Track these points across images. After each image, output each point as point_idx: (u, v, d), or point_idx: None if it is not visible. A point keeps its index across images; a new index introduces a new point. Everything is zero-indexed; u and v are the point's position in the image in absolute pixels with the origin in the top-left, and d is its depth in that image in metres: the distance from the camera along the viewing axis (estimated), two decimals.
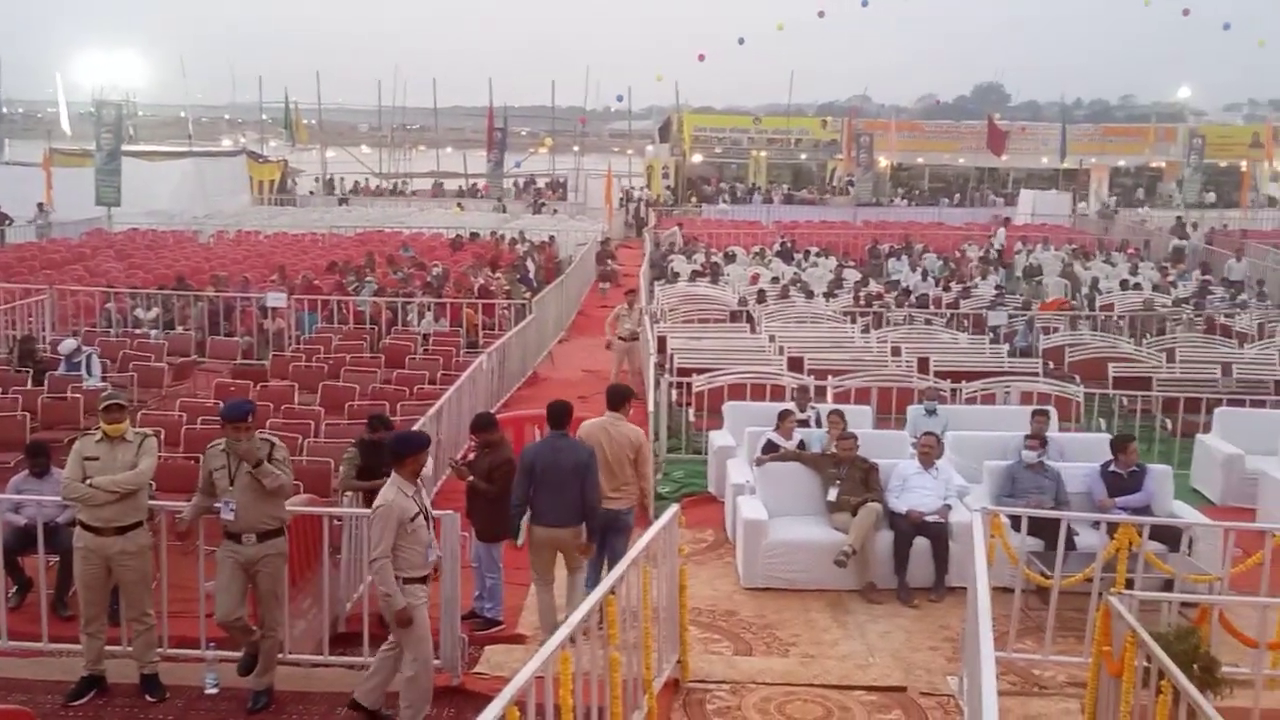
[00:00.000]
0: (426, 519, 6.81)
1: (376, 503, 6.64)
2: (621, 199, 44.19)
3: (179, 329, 17.20)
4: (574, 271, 24.99)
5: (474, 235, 30.52)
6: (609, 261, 29.45)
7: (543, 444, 8.06)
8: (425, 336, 16.76)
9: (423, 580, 6.76)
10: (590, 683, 5.82)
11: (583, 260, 27.28)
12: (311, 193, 48.41)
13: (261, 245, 28.61)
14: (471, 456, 8.58)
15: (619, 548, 7.95)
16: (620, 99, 57.98)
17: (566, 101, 66.06)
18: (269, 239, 30.20)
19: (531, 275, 23.77)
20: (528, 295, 19.95)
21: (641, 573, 6.61)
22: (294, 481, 7.48)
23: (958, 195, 48.13)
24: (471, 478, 8.32)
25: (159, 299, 18.13)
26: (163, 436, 9.87)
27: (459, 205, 42.66)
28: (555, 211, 42.08)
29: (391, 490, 6.64)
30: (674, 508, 7.62)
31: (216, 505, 6.96)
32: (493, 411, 11.37)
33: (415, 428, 10.16)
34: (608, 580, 6.14)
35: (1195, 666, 5.56)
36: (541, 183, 50.82)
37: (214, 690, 7.15)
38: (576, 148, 55.56)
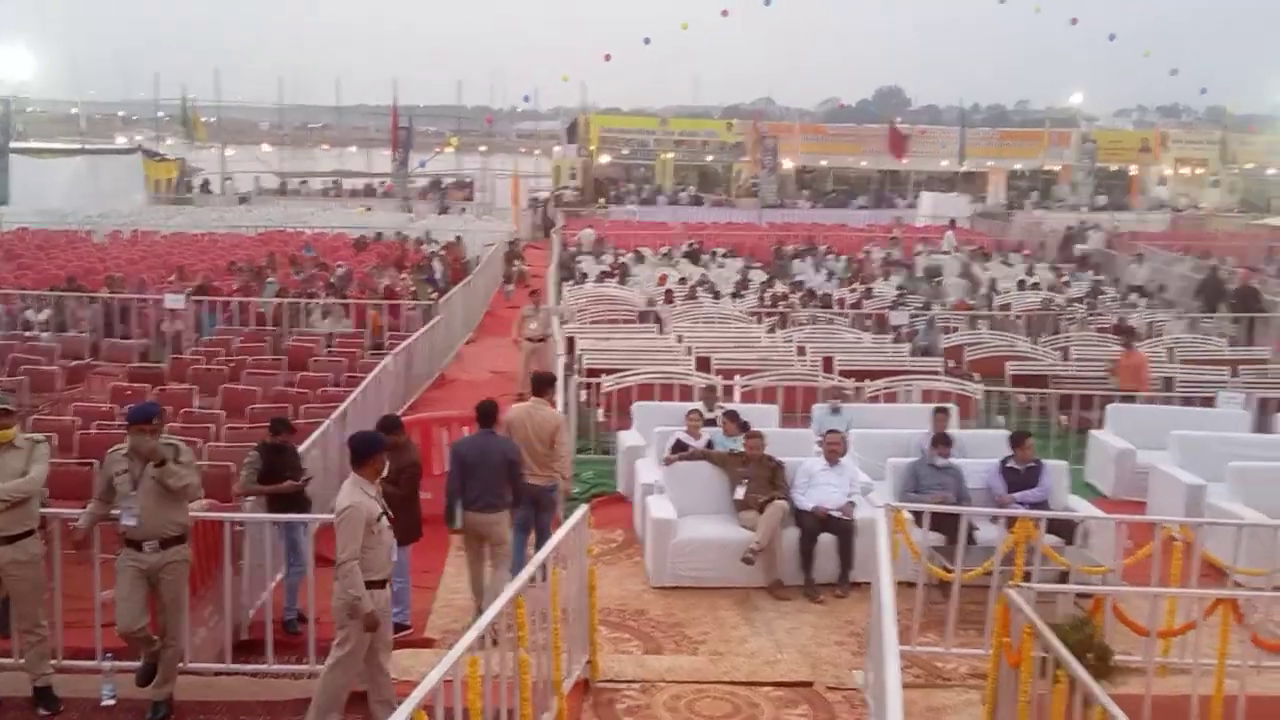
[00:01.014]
0: (390, 520, 6.66)
1: (343, 504, 6.40)
2: (532, 200, 44.13)
3: (72, 331, 16.69)
4: (481, 272, 24.85)
5: (378, 235, 30.14)
6: (517, 262, 29.34)
7: (472, 439, 8.72)
8: (329, 338, 16.50)
9: (382, 584, 6.58)
10: (499, 685, 5.80)
11: (490, 261, 27.13)
12: (206, 189, 47.22)
13: (158, 245, 27.89)
14: None
15: (545, 521, 8.84)
16: (527, 99, 57.99)
17: (473, 101, 65.73)
18: (166, 239, 29.46)
19: (438, 276, 23.55)
20: (434, 296, 19.77)
21: (551, 574, 6.60)
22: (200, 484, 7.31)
23: (864, 197, 48.89)
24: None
25: (51, 300, 17.56)
26: (55, 442, 9.55)
27: (366, 207, 42.06)
28: (462, 211, 41.75)
29: (356, 491, 6.45)
30: (583, 508, 7.64)
31: (115, 512, 6.76)
32: (399, 414, 11.23)
33: (319, 431, 10.08)
34: (515, 582, 6.12)
35: (1090, 655, 5.73)
36: (448, 183, 50.39)
37: (111, 702, 6.94)
38: (483, 148, 55.27)
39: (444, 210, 42.15)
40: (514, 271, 28.46)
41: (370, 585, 6.39)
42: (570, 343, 15.65)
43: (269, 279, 20.26)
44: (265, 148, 57.51)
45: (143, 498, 6.70)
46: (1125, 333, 13.72)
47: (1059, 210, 44.33)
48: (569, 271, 25.86)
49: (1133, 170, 50.32)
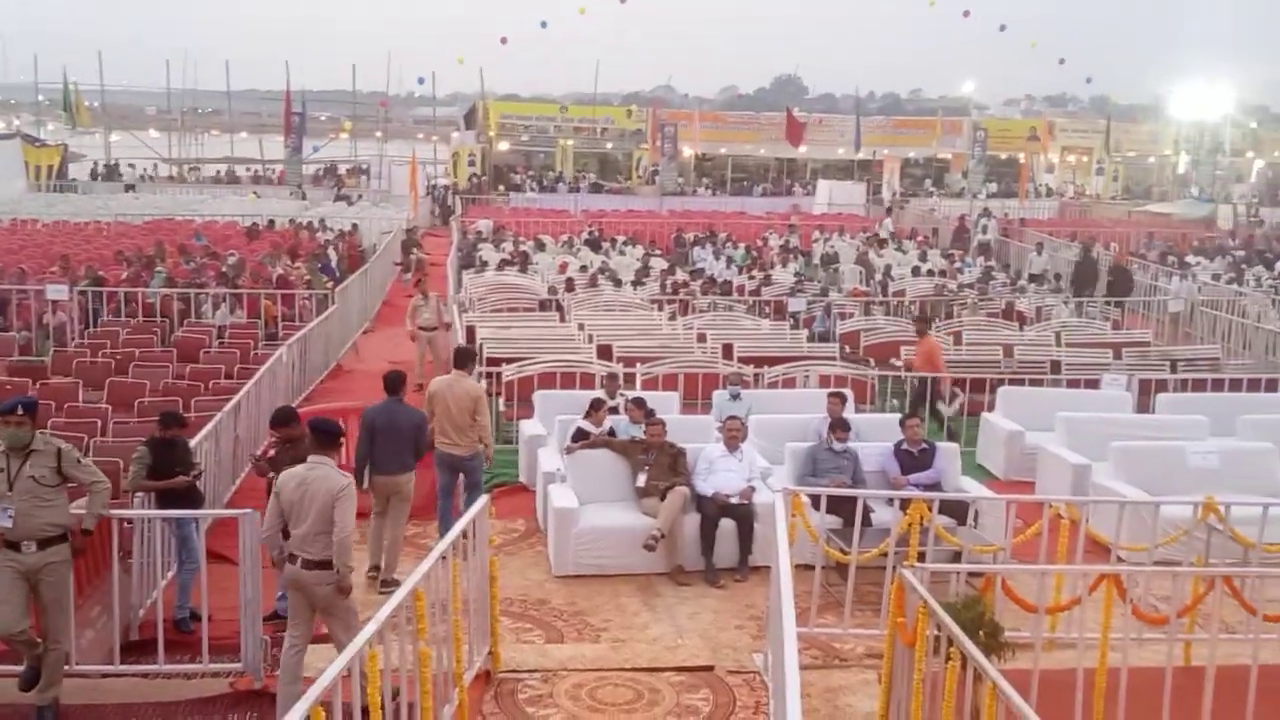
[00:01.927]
0: None
1: (345, 482, 6.67)
2: (430, 187, 43.61)
3: None
4: (378, 260, 24.50)
5: (271, 223, 29.50)
6: (415, 250, 28.97)
7: (380, 407, 9.20)
8: (221, 329, 16.11)
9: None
10: (400, 678, 5.74)
11: (387, 249, 26.77)
12: (115, 176, 45.62)
13: (39, 234, 26.91)
14: (272, 453, 8.31)
15: (471, 486, 9.67)
16: (422, 81, 57.03)
17: (368, 86, 64.57)
18: (48, 228, 28.41)
19: (333, 264, 23.15)
20: (330, 285, 19.43)
21: (451, 565, 6.55)
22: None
23: (765, 186, 49.35)
24: (273, 474, 8.06)
25: None
26: None
27: (255, 194, 41.08)
28: (359, 198, 41.07)
29: (342, 473, 6.77)
30: (484, 498, 7.60)
31: None
32: (294, 405, 11.04)
33: (211, 424, 9.88)
34: (415, 575, 6.06)
35: (981, 633, 5.86)
36: (343, 169, 49.50)
37: None
38: (379, 133, 54.31)
39: (339, 198, 41.40)
40: (412, 260, 28.09)
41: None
42: (470, 332, 15.53)
43: (157, 268, 19.69)
44: (153, 133, 55.76)
45: (17, 499, 6.48)
46: (920, 321, 14.33)
47: (946, 198, 45.33)
48: (469, 259, 25.64)
49: (1022, 158, 51.61)
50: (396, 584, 7.33)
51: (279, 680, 6.71)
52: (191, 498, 8.16)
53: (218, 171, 48.65)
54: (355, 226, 30.11)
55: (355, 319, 19.63)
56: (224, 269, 20.00)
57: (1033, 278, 24.69)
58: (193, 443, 8.78)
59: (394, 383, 9.32)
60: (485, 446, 9.80)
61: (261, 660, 7.20)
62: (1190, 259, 28.67)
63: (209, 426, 9.85)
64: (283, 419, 8.36)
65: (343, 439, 7.18)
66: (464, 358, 10.21)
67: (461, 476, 9.73)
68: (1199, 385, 13.84)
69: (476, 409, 9.62)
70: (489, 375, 13.39)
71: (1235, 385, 13.96)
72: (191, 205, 35.76)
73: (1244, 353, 17.65)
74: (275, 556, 6.95)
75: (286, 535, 6.76)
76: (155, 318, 16.74)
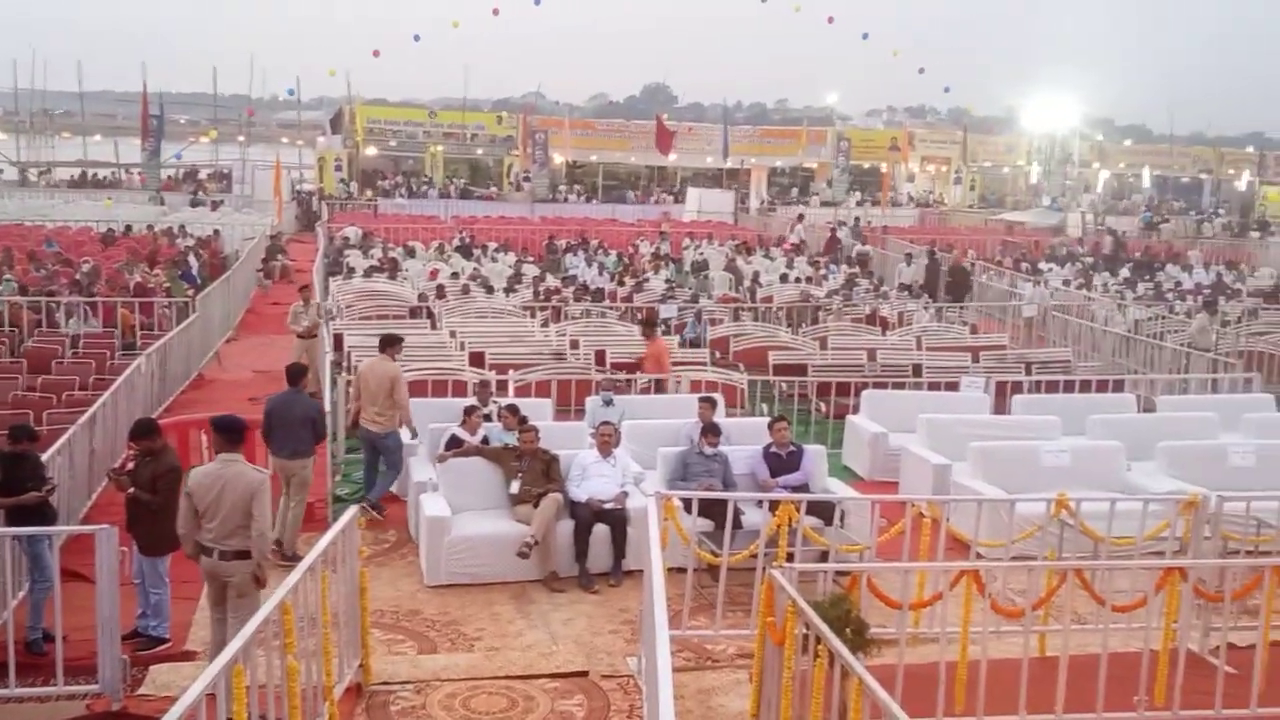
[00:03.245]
0: None
1: (260, 477, 7.03)
2: (296, 192, 42.69)
3: None
4: (241, 267, 23.90)
5: (128, 229, 28.51)
6: (280, 256, 28.34)
7: (279, 396, 9.96)
8: (75, 339, 15.52)
9: None
10: (267, 694, 5.62)
11: (251, 255, 26.12)
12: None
13: None
14: (131, 466, 8.04)
15: (391, 462, 10.80)
16: (291, 92, 55.78)
17: (230, 89, 62.79)
18: None
19: (194, 271, 22.51)
20: (190, 293, 18.89)
21: (320, 578, 6.44)
22: None
23: (636, 192, 49.63)
24: (133, 489, 7.82)
25: None
26: None
27: (109, 199, 39.58)
28: (220, 204, 39.94)
29: (257, 469, 7.15)
30: (353, 509, 7.48)
31: None
32: (154, 417, 10.71)
33: (65, 438, 9.53)
34: (282, 589, 5.93)
35: (847, 630, 6.00)
36: (204, 174, 48.07)
37: None
38: (242, 138, 52.91)
39: (197, 203, 40.15)
40: (275, 266, 27.49)
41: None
42: (338, 339, 15.25)
43: (5, 276, 18.86)
44: (0, 135, 53.31)
45: None
46: (648, 324, 14.65)
47: (813, 206, 46.30)
48: (336, 266, 25.20)
49: (884, 168, 53.00)
50: (298, 558, 7.87)
51: (207, 654, 7.03)
52: (43, 514, 7.84)
53: (71, 175, 46.71)
54: (217, 232, 29.31)
55: (218, 327, 19.11)
56: (78, 276, 19.27)
57: (903, 287, 25.32)
58: (45, 457, 8.44)
59: (294, 374, 10.08)
60: (408, 425, 10.69)
61: (120, 680, 6.96)
62: (1042, 265, 29.87)
63: (62, 440, 9.49)
64: (142, 431, 8.09)
65: (246, 433, 7.48)
66: (386, 342, 11.12)
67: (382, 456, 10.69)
68: (1051, 387, 14.43)
69: (393, 388, 10.50)
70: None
71: (1085, 386, 14.61)
72: (42, 210, 34.34)
73: (1093, 355, 18.45)
74: (191, 552, 7.24)
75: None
76: (4, 327, 16.03)
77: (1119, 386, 14.83)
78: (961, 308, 22.47)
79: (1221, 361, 16.21)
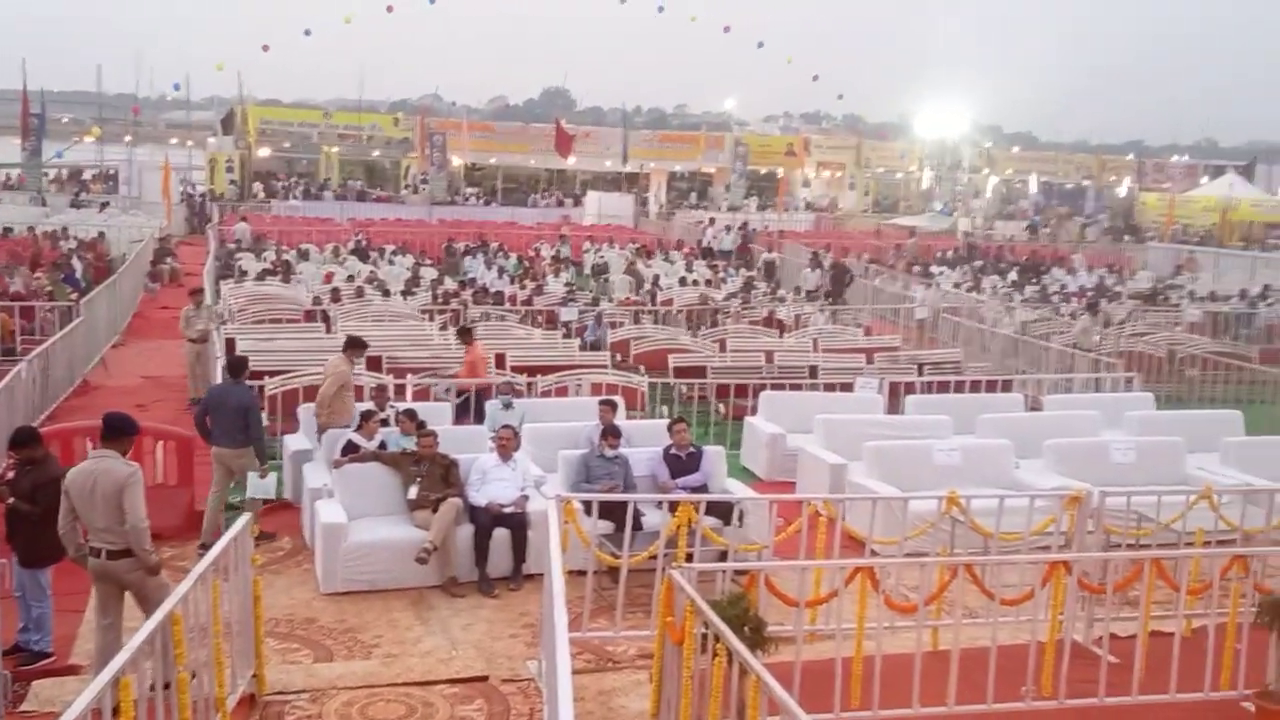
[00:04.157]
0: None
1: (128, 470, 6.84)
2: (185, 194, 41.60)
3: None
4: (128, 270, 23.22)
5: (8, 231, 27.50)
6: (169, 259, 27.62)
7: (219, 387, 10.54)
8: None
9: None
10: (156, 707, 5.47)
11: (138, 258, 25.41)
12: None
13: None
14: (11, 475, 7.76)
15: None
16: (177, 88, 54.35)
17: (116, 87, 61.01)
18: None
19: (78, 275, 21.79)
20: (74, 297, 18.29)
21: (211, 587, 6.29)
22: None
23: (538, 196, 49.46)
24: (12, 499, 7.54)
25: None
26: None
27: None
28: (106, 205, 38.73)
29: (130, 462, 6.95)
30: (246, 516, 7.33)
31: None
32: (35, 425, 10.37)
33: None
34: (172, 598, 5.78)
35: (746, 629, 6.07)
36: (89, 174, 46.57)
37: None
38: (129, 138, 51.38)
39: (79, 204, 38.84)
40: (164, 270, 26.78)
41: None
42: (230, 344, 14.91)
43: None
44: None
45: None
46: (464, 331, 14.55)
47: (712, 211, 46.69)
48: (228, 269, 24.65)
49: (780, 173, 53.69)
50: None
51: (93, 667, 6.73)
52: None
53: None
54: (102, 235, 28.43)
55: (103, 332, 18.55)
56: None
57: (808, 294, 25.58)
58: None
59: (235, 366, 10.49)
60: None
61: (2, 697, 6.71)
62: (934, 269, 30.58)
63: None
64: (22, 440, 7.81)
65: (133, 436, 7.28)
66: (351, 345, 11.43)
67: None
68: (943, 387, 14.79)
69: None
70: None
71: (975, 386, 14.99)
72: None
73: (983, 356, 18.93)
74: (74, 554, 7.09)
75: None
76: None
77: (1007, 386, 15.25)
78: (846, 305, 22.83)
79: (1104, 361, 16.77)
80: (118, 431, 7.08)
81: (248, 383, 10.85)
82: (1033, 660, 7.15)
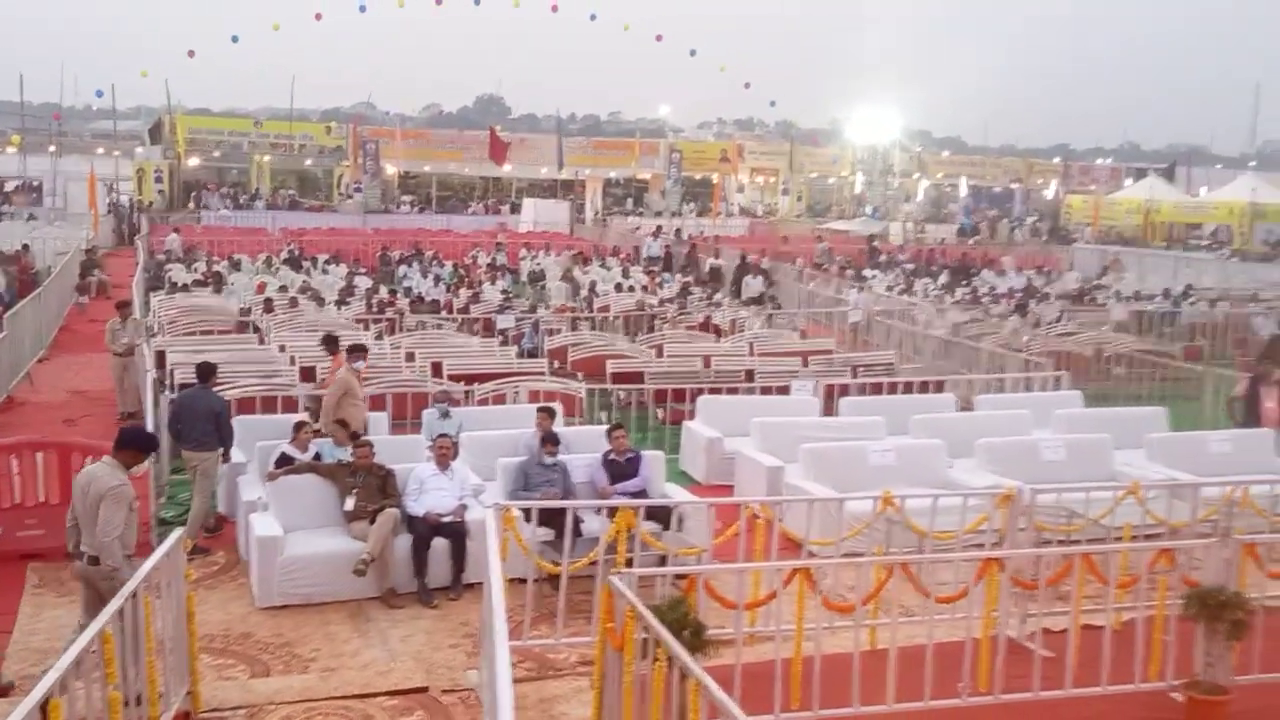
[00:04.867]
0: None
1: (113, 484, 6.89)
2: (112, 205, 40.82)
3: None
4: (53, 283, 22.73)
5: None
6: (96, 271, 27.10)
7: (189, 391, 10.83)
8: None
9: (130, 557, 7.05)
10: None
11: (64, 270, 24.89)
12: None
13: None
14: None
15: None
16: (101, 95, 53.35)
17: (39, 97, 59.71)
18: None
19: (2, 289, 21.32)
20: None
21: (143, 603, 6.18)
22: None
23: (475, 203, 49.25)
24: None
25: None
26: None
27: None
28: (30, 217, 37.88)
29: (119, 472, 7.01)
30: (178, 532, 7.21)
31: None
32: None
33: None
34: (102, 616, 5.68)
35: (686, 632, 6.09)
36: (12, 186, 45.52)
37: None
38: (52, 148, 50.30)
39: (0, 217, 37.88)
40: (91, 282, 26.27)
41: (128, 557, 6.98)
42: (161, 356, 14.66)
43: None
44: None
45: None
46: (328, 340, 13.68)
47: (648, 217, 46.87)
48: (157, 281, 24.24)
49: (715, 179, 53.99)
50: (199, 551, 9.35)
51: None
52: None
53: None
54: (27, 247, 27.83)
55: (29, 347, 18.14)
56: None
57: (752, 300, 25.67)
58: None
59: (204, 372, 10.80)
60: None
61: None
62: (866, 272, 30.92)
63: None
64: None
65: (142, 449, 7.43)
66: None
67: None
68: (876, 388, 14.95)
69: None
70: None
71: (908, 388, 15.17)
72: None
73: (915, 357, 19.17)
74: (70, 550, 7.27)
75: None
76: None
77: (940, 387, 15.45)
78: (770, 299, 23.09)
79: (1033, 361, 17.06)
80: (124, 444, 7.26)
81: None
82: (969, 657, 7.25)
